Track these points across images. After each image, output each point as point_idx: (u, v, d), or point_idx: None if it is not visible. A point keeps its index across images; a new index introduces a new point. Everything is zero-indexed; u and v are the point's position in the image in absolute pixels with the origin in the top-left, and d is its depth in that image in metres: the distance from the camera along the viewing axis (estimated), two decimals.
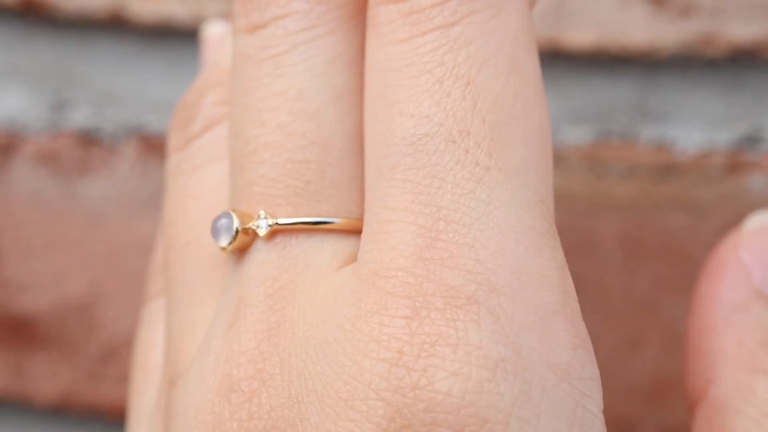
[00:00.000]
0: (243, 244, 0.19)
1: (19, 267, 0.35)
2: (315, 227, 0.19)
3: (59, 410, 0.35)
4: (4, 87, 0.34)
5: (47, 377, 0.36)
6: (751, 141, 0.32)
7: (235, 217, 0.19)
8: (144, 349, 0.23)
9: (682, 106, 0.32)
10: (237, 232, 0.19)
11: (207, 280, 0.21)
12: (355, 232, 0.19)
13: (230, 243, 0.19)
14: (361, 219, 0.19)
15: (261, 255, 0.19)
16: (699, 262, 0.33)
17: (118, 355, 0.34)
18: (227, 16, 0.31)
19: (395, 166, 0.18)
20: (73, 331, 0.35)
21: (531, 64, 0.19)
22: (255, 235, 0.19)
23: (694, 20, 0.30)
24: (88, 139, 0.33)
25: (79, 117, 0.33)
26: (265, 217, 0.19)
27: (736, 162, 0.32)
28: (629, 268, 0.32)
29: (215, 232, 0.19)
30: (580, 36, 0.31)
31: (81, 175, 0.34)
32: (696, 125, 0.32)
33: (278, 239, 0.19)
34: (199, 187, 0.21)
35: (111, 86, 0.33)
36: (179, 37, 0.32)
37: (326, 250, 0.19)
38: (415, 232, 0.17)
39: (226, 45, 0.23)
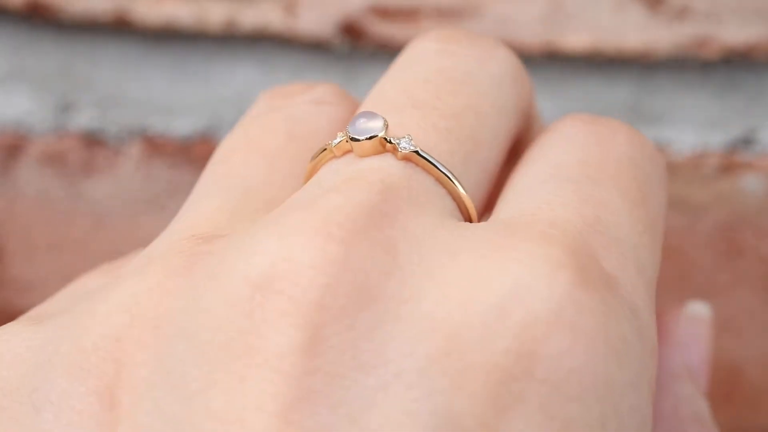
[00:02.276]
0: (373, 149, 0.19)
1: (25, 266, 0.35)
2: (448, 182, 0.19)
3: None
4: (9, 89, 0.34)
5: None
6: (745, 143, 0.32)
7: (383, 120, 0.19)
8: None
9: (677, 108, 0.32)
10: (379, 136, 0.18)
11: (288, 149, 0.21)
12: (469, 219, 0.19)
13: (368, 138, 0.18)
14: (474, 212, 0.19)
15: (388, 163, 0.18)
16: (694, 262, 0.33)
17: None
18: (229, 18, 0.31)
19: (571, 180, 0.20)
20: None
21: None
22: (392, 149, 0.19)
23: (688, 23, 0.30)
24: (93, 140, 0.33)
25: (84, 119, 0.33)
26: (409, 140, 0.19)
27: (729, 162, 0.32)
28: None
29: (354, 125, 0.19)
30: (576, 38, 0.31)
31: (86, 176, 0.34)
32: (690, 127, 0.32)
33: (410, 165, 0.19)
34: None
35: (115, 88, 0.33)
36: (182, 39, 0.32)
37: (446, 203, 0.19)
38: (578, 216, 0.18)
39: None
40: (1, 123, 0.34)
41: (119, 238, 0.34)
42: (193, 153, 0.33)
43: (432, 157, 0.19)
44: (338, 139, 0.19)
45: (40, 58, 0.33)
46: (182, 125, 0.33)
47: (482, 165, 0.20)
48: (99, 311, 0.18)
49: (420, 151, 0.19)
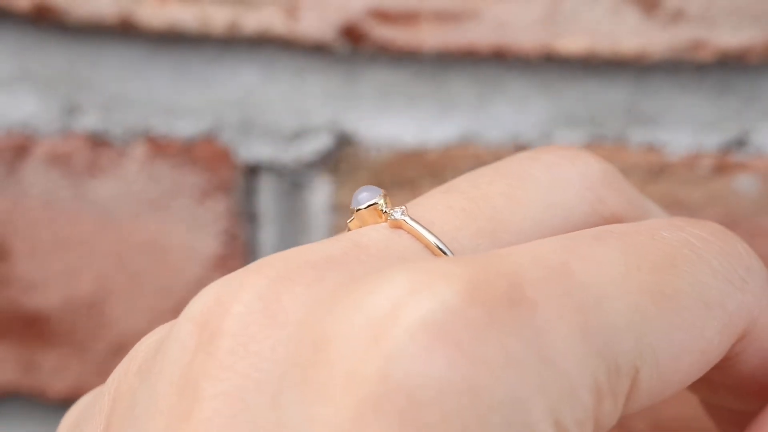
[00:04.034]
0: (370, 219, 0.20)
1: (31, 265, 0.35)
2: (437, 251, 0.19)
3: (70, 403, 0.35)
4: (16, 91, 0.34)
5: (58, 372, 0.36)
6: (739, 144, 0.32)
7: (381, 195, 0.20)
8: None
9: (672, 110, 0.32)
10: (373, 205, 0.20)
11: None
12: None
13: (360, 209, 0.20)
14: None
15: (374, 230, 0.20)
16: None
17: (126, 350, 0.34)
18: (232, 22, 0.31)
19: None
20: (83, 327, 0.35)
21: None
22: (384, 218, 0.20)
23: (683, 27, 0.30)
24: (98, 141, 0.33)
25: (89, 120, 0.33)
26: (403, 212, 0.20)
27: (723, 163, 0.32)
28: None
29: (355, 198, 0.20)
30: (573, 41, 0.31)
31: (91, 177, 0.34)
32: (685, 129, 0.32)
33: (397, 232, 0.20)
34: None
35: (120, 90, 0.33)
36: (186, 42, 0.32)
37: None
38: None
39: None
40: (8, 124, 0.34)
41: (123, 237, 0.34)
42: (195, 154, 0.33)
43: (419, 224, 0.19)
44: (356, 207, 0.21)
45: (45, 60, 0.33)
46: (185, 127, 0.33)
47: (501, 245, 0.20)
48: None
49: (407, 220, 0.19)
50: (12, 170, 0.34)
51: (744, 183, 0.32)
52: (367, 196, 0.20)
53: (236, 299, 0.18)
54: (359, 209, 0.20)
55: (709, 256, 0.19)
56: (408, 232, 0.20)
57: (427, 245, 0.19)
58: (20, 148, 0.34)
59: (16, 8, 0.32)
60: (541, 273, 0.17)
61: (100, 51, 0.33)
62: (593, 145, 0.32)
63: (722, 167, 0.32)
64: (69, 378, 0.36)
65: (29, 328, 0.35)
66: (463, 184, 0.21)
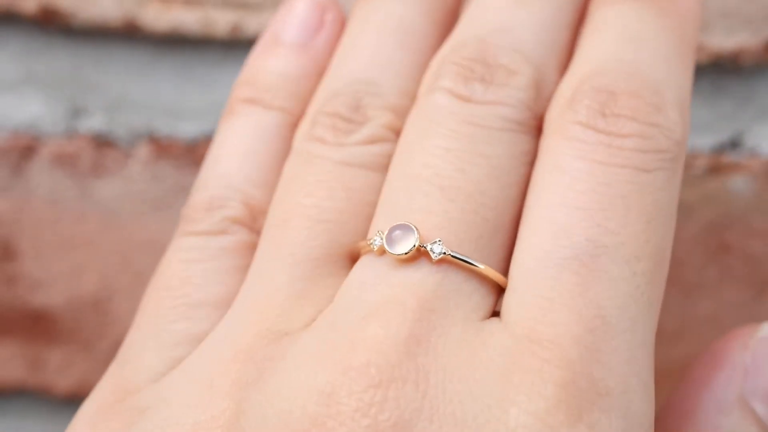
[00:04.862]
0: (411, 258, 0.21)
1: (37, 264, 0.35)
2: (475, 273, 0.20)
3: (75, 400, 0.35)
4: (22, 93, 0.33)
5: (64, 369, 0.36)
6: (733, 145, 0.32)
7: (416, 232, 0.20)
8: (182, 279, 0.23)
9: None
10: (415, 247, 0.20)
11: (332, 260, 0.22)
12: (498, 292, 0.21)
13: (405, 254, 0.20)
14: (504, 281, 0.21)
15: (422, 274, 0.20)
16: (682, 260, 0.33)
17: None
18: (235, 25, 0.31)
19: (573, 258, 0.20)
20: (88, 325, 0.35)
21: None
22: (425, 254, 0.20)
23: None
24: (103, 142, 0.33)
25: (94, 122, 0.33)
26: (440, 244, 0.20)
27: (717, 163, 0.32)
28: None
29: (390, 239, 0.20)
30: None
31: (96, 177, 0.34)
32: None
33: (442, 267, 0.20)
34: (354, 182, 0.22)
35: (124, 92, 0.33)
36: (189, 45, 0.32)
37: (475, 299, 0.20)
38: (577, 320, 0.19)
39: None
40: (14, 126, 0.34)
41: (127, 237, 0.34)
42: (198, 155, 0.33)
43: (463, 256, 0.20)
44: (376, 243, 0.21)
45: (51, 63, 0.33)
46: (188, 128, 0.33)
47: (502, 226, 0.21)
48: None
49: (452, 255, 0.20)
50: (18, 170, 0.34)
51: (738, 183, 0.32)
52: (402, 238, 0.21)
53: (352, 406, 0.19)
54: (398, 255, 0.20)
55: None
56: (450, 264, 0.21)
57: (469, 270, 0.21)
58: (26, 148, 0.34)
59: (22, 11, 0.32)
60: (596, 345, 0.20)
61: (104, 53, 0.33)
62: None
63: (716, 168, 0.32)
64: (74, 375, 0.36)
65: (35, 325, 0.35)
66: (449, 169, 0.22)
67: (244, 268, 0.23)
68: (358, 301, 0.20)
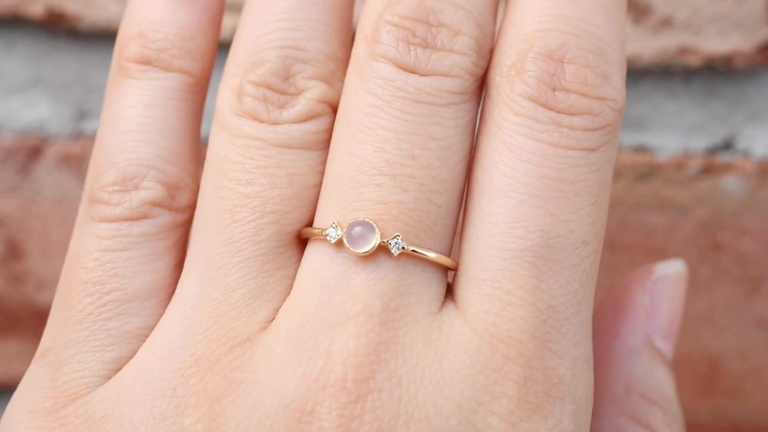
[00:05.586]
0: (371, 254, 0.20)
1: (43, 263, 0.35)
2: (431, 262, 0.21)
3: None
4: (30, 96, 0.34)
5: None
6: (726, 147, 0.32)
7: (378, 230, 0.20)
8: (107, 271, 0.22)
9: (661, 114, 0.32)
10: (377, 245, 0.20)
11: (280, 252, 0.21)
12: (449, 277, 0.21)
13: (367, 252, 0.20)
14: (454, 264, 0.21)
15: (384, 271, 0.20)
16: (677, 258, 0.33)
17: None
18: (236, 28, 0.32)
19: (528, 250, 0.20)
20: None
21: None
22: (384, 249, 0.20)
23: (672, 33, 0.31)
24: None
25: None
26: (399, 238, 0.20)
27: (710, 164, 0.32)
28: (610, 263, 0.33)
29: (351, 237, 0.20)
30: None
31: None
32: (674, 132, 0.32)
33: (401, 262, 0.20)
34: (296, 167, 0.21)
35: None
36: None
37: (433, 288, 0.21)
38: (533, 313, 0.20)
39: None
40: (22, 127, 0.34)
41: None
42: (200, 155, 0.33)
43: (421, 249, 0.20)
44: (332, 235, 0.20)
45: (58, 66, 0.33)
46: None
47: (453, 208, 0.21)
48: None
49: (410, 250, 0.20)
50: (25, 171, 0.34)
51: (731, 183, 0.32)
52: (362, 234, 0.20)
53: (333, 421, 0.19)
54: (359, 253, 0.20)
55: None
56: (409, 257, 0.21)
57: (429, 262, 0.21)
58: (33, 149, 0.34)
59: (29, 15, 0.32)
60: (550, 336, 0.21)
61: (110, 57, 0.31)
62: None
63: (709, 168, 0.32)
64: None
65: (41, 323, 0.34)
66: (395, 153, 0.21)
67: (170, 249, 0.22)
68: (323, 303, 0.20)
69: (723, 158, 0.32)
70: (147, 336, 0.21)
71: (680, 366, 0.34)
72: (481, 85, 0.22)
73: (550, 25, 0.21)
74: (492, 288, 0.20)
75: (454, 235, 0.21)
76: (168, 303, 0.22)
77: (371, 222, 0.20)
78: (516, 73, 0.21)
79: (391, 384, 0.19)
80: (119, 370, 0.21)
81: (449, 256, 0.21)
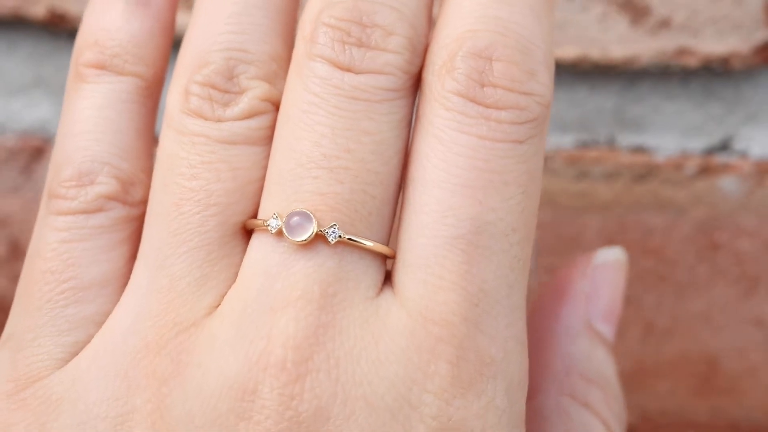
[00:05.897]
0: (309, 243, 0.21)
1: None
2: (368, 250, 0.22)
3: None
4: (31, 96, 0.34)
5: None
6: (723, 148, 0.32)
7: (314, 219, 0.21)
8: (64, 261, 0.23)
9: (659, 115, 0.32)
10: (313, 233, 0.21)
11: (225, 241, 0.22)
12: (386, 259, 0.22)
13: (305, 241, 0.21)
14: (392, 252, 0.22)
15: (322, 258, 0.21)
16: (674, 259, 0.33)
17: None
18: None
19: (459, 237, 0.21)
20: None
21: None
22: (322, 238, 0.21)
23: (670, 34, 0.31)
24: None
25: None
26: (336, 227, 0.21)
27: (708, 165, 0.32)
28: None
29: (290, 226, 0.21)
30: (564, 48, 0.31)
31: None
32: (671, 132, 0.32)
33: (339, 249, 0.21)
34: (239, 162, 0.22)
35: None
36: None
37: (370, 274, 0.22)
38: (464, 296, 0.21)
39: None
40: (23, 128, 0.34)
41: None
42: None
43: (357, 238, 0.22)
44: (273, 225, 0.22)
45: (59, 67, 0.33)
46: None
47: (388, 200, 0.22)
48: None
49: (346, 238, 0.21)
50: (27, 171, 0.34)
51: (728, 184, 0.32)
52: (300, 223, 0.21)
53: (275, 399, 0.20)
54: (297, 241, 0.21)
55: None
56: (346, 245, 0.22)
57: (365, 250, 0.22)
58: (35, 150, 0.34)
59: (31, 16, 0.32)
60: (481, 319, 0.22)
61: None
62: (583, 148, 0.32)
63: (707, 169, 0.32)
64: None
65: None
66: (330, 147, 0.22)
67: (124, 241, 0.23)
68: (265, 290, 0.21)
69: (721, 159, 0.32)
70: (103, 322, 0.23)
71: (678, 365, 0.34)
72: (416, 84, 0.23)
73: (479, 26, 0.22)
74: (425, 273, 0.21)
75: (391, 225, 0.22)
76: (123, 291, 0.23)
77: (308, 212, 0.21)
78: (446, 71, 0.22)
79: (329, 365, 0.20)
80: (76, 354, 0.22)
81: (387, 245, 0.22)
